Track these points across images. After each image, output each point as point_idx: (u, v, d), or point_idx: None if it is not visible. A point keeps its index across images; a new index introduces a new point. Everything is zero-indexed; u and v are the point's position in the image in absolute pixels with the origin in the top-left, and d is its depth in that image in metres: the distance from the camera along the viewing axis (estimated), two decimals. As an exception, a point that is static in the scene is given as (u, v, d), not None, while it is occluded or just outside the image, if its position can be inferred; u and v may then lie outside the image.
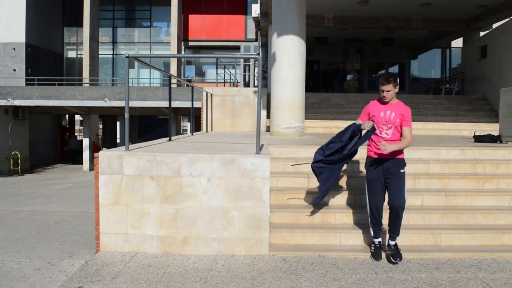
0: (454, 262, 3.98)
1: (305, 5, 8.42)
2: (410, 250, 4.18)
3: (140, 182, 4.16)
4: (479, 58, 13.86)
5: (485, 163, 5.54)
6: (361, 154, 4.47)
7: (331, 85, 17.06)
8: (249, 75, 20.95)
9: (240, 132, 10.44)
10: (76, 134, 32.33)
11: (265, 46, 17.82)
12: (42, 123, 24.94)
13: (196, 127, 11.27)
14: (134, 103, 18.28)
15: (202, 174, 4.14)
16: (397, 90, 3.86)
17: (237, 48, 24.39)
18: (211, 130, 10.66)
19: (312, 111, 11.89)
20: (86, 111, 21.65)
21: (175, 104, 17.63)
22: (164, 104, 18.41)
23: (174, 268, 3.79)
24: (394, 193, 3.88)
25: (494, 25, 15.27)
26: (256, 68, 19.56)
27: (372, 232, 4.07)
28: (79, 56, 25.99)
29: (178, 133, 25.12)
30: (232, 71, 20.11)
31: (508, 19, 13.08)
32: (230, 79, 14.30)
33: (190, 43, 26.03)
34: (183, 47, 25.64)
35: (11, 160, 20.07)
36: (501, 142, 7.32)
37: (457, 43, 19.12)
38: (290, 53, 8.07)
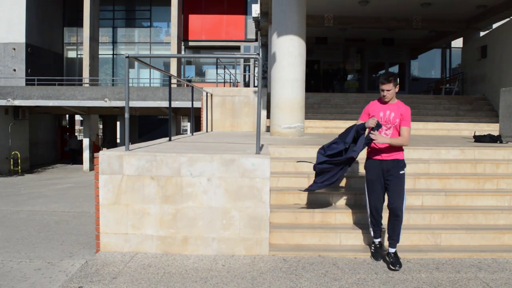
0: (454, 262, 3.98)
1: (305, 5, 8.42)
2: (410, 250, 4.18)
3: (140, 182, 4.16)
4: (479, 58, 13.86)
5: (485, 163, 5.54)
6: (362, 154, 4.46)
7: (331, 85, 17.06)
8: (249, 75, 20.95)
9: (240, 132, 10.44)
10: (76, 134, 32.33)
11: (265, 46, 17.81)
12: (42, 123, 24.94)
13: (196, 127, 11.26)
14: (134, 103, 18.28)
15: (202, 174, 4.14)
16: (397, 89, 3.82)
17: (237, 48, 24.39)
18: (211, 130, 10.66)
19: (312, 111, 11.89)
20: (86, 111, 21.65)
21: (175, 104, 17.63)
22: (164, 104, 18.42)
23: (174, 268, 3.79)
24: (393, 195, 3.84)
25: (494, 25, 15.27)
26: (256, 68, 19.57)
27: (372, 233, 4.06)
28: (79, 56, 26.00)
29: (178, 133, 25.12)
30: (232, 71, 20.11)
31: (508, 19, 13.07)
32: (230, 79, 14.30)
33: (190, 43, 26.03)
34: (183, 47, 25.64)
35: (11, 160, 20.07)
36: (501, 142, 7.32)
37: (457, 43, 19.12)
38: (290, 53, 8.07)
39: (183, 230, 4.16)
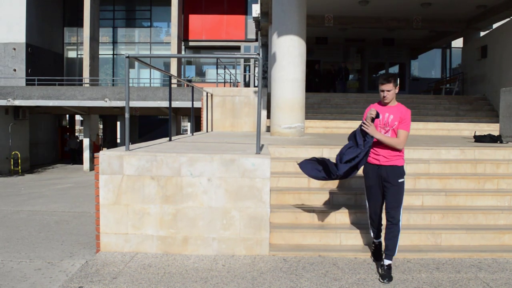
0: (455, 262, 3.98)
1: (306, 5, 8.42)
2: (410, 250, 4.19)
3: (141, 182, 4.16)
4: (479, 58, 13.86)
5: (486, 163, 5.54)
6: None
7: (333, 85, 17.04)
8: (249, 75, 20.95)
9: (240, 132, 10.44)
10: (76, 134, 32.34)
11: (265, 46, 17.81)
12: (43, 123, 24.94)
13: (196, 127, 11.26)
14: (134, 103, 18.28)
15: (202, 174, 4.14)
16: (397, 90, 3.68)
17: (237, 48, 24.38)
18: (212, 130, 10.66)
19: (312, 111, 11.89)
20: (86, 111, 21.65)
21: (176, 104, 17.63)
22: (165, 104, 18.42)
23: (175, 268, 3.79)
24: (391, 204, 3.68)
25: (495, 25, 15.26)
26: (257, 68, 19.56)
27: (372, 233, 4.04)
28: (79, 56, 26.00)
29: (178, 133, 25.13)
30: (232, 71, 20.11)
31: (508, 19, 13.07)
32: (230, 79, 14.30)
33: (190, 43, 26.03)
34: (183, 47, 25.64)
35: (12, 160, 20.07)
36: (501, 142, 7.32)
37: (458, 43, 19.12)
38: (290, 53, 8.07)
39: (183, 230, 4.16)
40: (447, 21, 15.59)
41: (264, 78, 17.27)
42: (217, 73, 12.94)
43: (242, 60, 21.32)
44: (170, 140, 6.23)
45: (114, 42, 26.58)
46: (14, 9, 21.88)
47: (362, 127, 3.63)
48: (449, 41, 19.43)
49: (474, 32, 15.85)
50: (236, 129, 10.86)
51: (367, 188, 3.90)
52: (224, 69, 13.15)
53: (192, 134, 8.34)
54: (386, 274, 3.57)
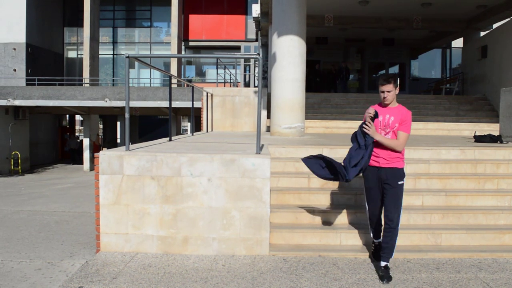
0: (455, 262, 3.98)
1: (306, 5, 8.42)
2: (410, 250, 4.19)
3: (141, 182, 4.16)
4: (479, 58, 13.86)
5: (486, 163, 5.54)
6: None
7: (334, 85, 17.02)
8: (249, 75, 20.96)
9: (240, 132, 10.45)
10: (76, 134, 32.34)
11: (266, 46, 17.82)
12: (43, 123, 24.93)
13: (197, 127, 11.27)
14: (134, 103, 18.28)
15: (202, 174, 4.15)
16: (397, 91, 3.64)
17: (238, 48, 24.39)
18: (212, 130, 10.66)
19: (312, 111, 11.89)
20: (86, 111, 21.65)
21: (176, 104, 17.63)
22: (165, 104, 18.42)
23: (175, 268, 3.79)
24: (389, 207, 3.64)
25: (495, 25, 15.27)
26: (257, 68, 19.57)
27: (371, 234, 4.03)
28: (79, 56, 26.00)
29: (178, 133, 25.12)
30: (233, 71, 20.13)
31: (508, 19, 13.07)
32: (230, 79, 14.31)
33: (191, 43, 26.03)
34: (183, 47, 25.63)
35: (12, 160, 20.07)
36: (501, 142, 7.32)
37: (458, 43, 19.12)
38: (290, 53, 8.07)
39: (184, 230, 4.17)
40: (447, 21, 15.59)
41: (264, 78, 17.27)
42: (217, 73, 12.94)
43: (242, 60, 21.33)
44: (170, 140, 6.23)
45: (114, 42, 26.58)
46: (14, 9, 21.88)
47: (363, 128, 3.59)
48: (449, 41, 19.43)
49: (474, 32, 15.85)
50: (236, 129, 10.86)
51: (366, 190, 3.88)
52: (224, 69, 13.15)
53: (192, 134, 8.34)
54: (384, 275, 3.58)
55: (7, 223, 7.32)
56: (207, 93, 10.32)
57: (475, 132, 8.75)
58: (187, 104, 17.44)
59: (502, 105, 8.08)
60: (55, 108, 20.82)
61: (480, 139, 7.43)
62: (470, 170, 5.49)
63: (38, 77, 21.27)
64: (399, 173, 3.66)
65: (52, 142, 26.46)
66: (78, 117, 32.79)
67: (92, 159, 19.94)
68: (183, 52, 25.36)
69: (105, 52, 25.94)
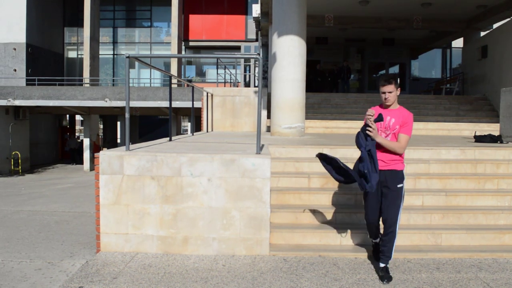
0: (455, 262, 3.98)
1: (306, 5, 8.42)
2: (410, 250, 4.19)
3: (141, 182, 4.16)
4: (479, 58, 13.86)
5: (486, 163, 5.54)
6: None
7: (336, 85, 17.00)
8: (249, 75, 20.96)
9: (240, 132, 10.45)
10: (77, 134, 32.35)
11: (266, 46, 17.81)
12: (43, 123, 24.94)
13: (197, 127, 11.27)
14: (134, 103, 18.28)
15: (202, 174, 4.15)
16: (398, 92, 3.57)
17: (238, 48, 24.39)
18: (212, 130, 10.66)
19: (312, 111, 11.89)
20: (86, 111, 21.66)
21: (176, 104, 17.63)
22: (165, 104, 18.42)
23: (175, 268, 3.79)
24: (388, 209, 3.58)
25: (495, 25, 15.27)
26: (257, 68, 19.58)
27: (369, 235, 3.96)
28: (79, 56, 26.00)
29: (178, 133, 25.12)
30: (233, 71, 20.14)
31: (508, 19, 13.07)
32: (230, 79, 14.31)
33: (191, 43, 26.03)
34: (183, 47, 25.63)
35: (12, 160, 20.08)
36: (501, 142, 7.32)
37: (458, 43, 19.12)
38: (290, 53, 8.07)
39: (184, 230, 4.17)
40: (447, 21, 15.59)
41: (264, 78, 17.27)
42: (217, 73, 12.95)
43: (242, 60, 21.33)
44: (170, 140, 6.23)
45: (114, 42, 26.58)
46: (14, 9, 21.88)
47: (367, 130, 3.48)
48: (449, 41, 19.43)
49: (474, 32, 15.85)
50: (236, 129, 10.86)
51: (364, 194, 3.77)
52: (224, 69, 13.16)
53: (193, 134, 8.34)
54: (384, 275, 3.57)
55: (7, 223, 7.32)
56: (207, 93, 10.32)
57: (475, 132, 8.74)
58: (187, 104, 17.44)
59: (502, 105, 8.08)
60: (55, 108, 20.83)
61: (480, 139, 7.43)
62: (470, 170, 5.48)
63: (38, 77, 21.27)
64: (399, 176, 3.58)
65: (52, 142, 26.47)
66: (78, 117, 32.80)
67: (92, 159, 19.95)
68: (183, 52, 25.36)
69: (105, 52, 25.94)
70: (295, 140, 7.11)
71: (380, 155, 3.58)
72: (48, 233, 6.43)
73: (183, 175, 4.15)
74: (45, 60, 24.13)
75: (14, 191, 12.97)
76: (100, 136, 27.04)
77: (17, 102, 18.75)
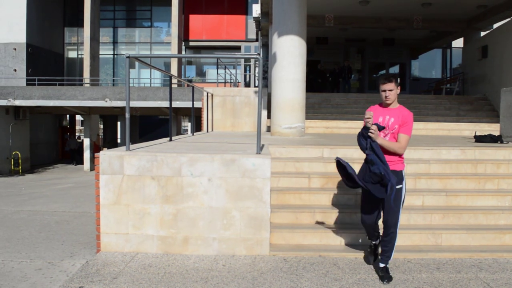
0: (455, 262, 3.98)
1: (306, 5, 8.42)
2: (410, 250, 4.19)
3: (141, 182, 4.16)
4: (479, 58, 13.85)
5: (486, 163, 5.54)
6: (361, 155, 4.45)
7: (337, 85, 16.99)
8: (249, 75, 20.96)
9: (240, 132, 10.45)
10: (77, 134, 32.35)
11: (266, 46, 17.81)
12: (43, 123, 24.95)
13: (197, 127, 11.27)
14: (134, 103, 18.29)
15: (202, 174, 4.15)
16: (399, 90, 3.51)
17: (238, 48, 24.39)
18: (212, 130, 10.66)
19: (312, 111, 11.89)
20: (86, 111, 21.66)
21: (176, 104, 17.63)
22: (165, 104, 18.42)
23: (175, 268, 3.79)
24: (387, 211, 3.51)
25: (495, 25, 15.27)
26: (257, 68, 19.58)
27: (368, 237, 3.89)
28: (79, 56, 26.01)
29: (178, 133, 25.12)
30: (233, 71, 20.14)
31: (508, 19, 13.07)
32: (230, 79, 14.32)
33: (191, 43, 26.04)
34: (183, 47, 25.64)
35: (12, 160, 20.08)
36: (502, 142, 7.31)
37: (458, 43, 19.12)
38: (290, 53, 8.07)
39: (184, 230, 4.17)
40: (447, 21, 15.59)
41: (264, 78, 17.27)
42: (217, 73, 12.95)
43: (242, 60, 21.32)
44: (170, 140, 6.23)
45: (115, 42, 26.58)
46: (15, 9, 21.89)
47: (368, 132, 3.38)
48: (450, 41, 19.43)
49: (474, 32, 15.85)
50: (236, 129, 10.86)
51: (362, 193, 3.70)
52: (225, 69, 13.16)
53: (193, 134, 8.34)
54: (384, 275, 3.57)
55: (7, 223, 7.32)
56: (207, 93, 10.32)
57: (475, 132, 8.74)
58: (188, 104, 17.45)
59: (503, 105, 8.08)
60: (55, 108, 20.83)
61: (480, 139, 7.43)
62: (470, 170, 5.48)
63: (39, 77, 21.28)
64: (398, 176, 3.50)
65: (52, 142, 26.48)
66: (78, 117, 32.81)
67: (93, 159, 19.97)
68: (183, 52, 25.36)
69: (105, 52, 25.95)
70: (295, 140, 7.11)
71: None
72: (48, 233, 6.43)
73: (183, 175, 4.15)
74: (45, 60, 24.14)
75: (15, 191, 12.98)
76: (100, 136, 27.05)
77: (17, 102, 18.76)
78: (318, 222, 4.57)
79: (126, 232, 4.19)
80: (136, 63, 23.78)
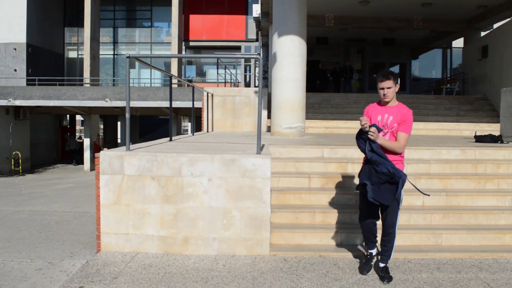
0: (455, 262, 3.98)
1: (306, 5, 8.42)
2: (411, 250, 4.18)
3: (141, 182, 4.16)
4: (480, 58, 13.85)
5: (486, 163, 5.54)
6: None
7: (338, 84, 16.97)
8: (249, 75, 20.96)
9: (241, 132, 10.45)
10: (77, 134, 32.35)
11: (266, 46, 17.82)
12: (43, 123, 24.96)
13: (197, 127, 11.27)
14: (135, 103, 18.29)
15: (203, 174, 4.15)
16: (397, 88, 3.42)
17: (238, 48, 24.39)
18: (212, 130, 10.66)
19: (312, 111, 11.89)
20: (87, 111, 21.67)
21: (176, 104, 17.64)
22: (165, 104, 18.42)
23: (175, 268, 3.79)
24: (387, 212, 3.48)
25: (495, 25, 15.27)
26: (257, 68, 19.59)
27: (364, 242, 3.84)
28: (80, 56, 26.01)
29: (179, 133, 25.12)
30: (233, 71, 20.14)
31: (508, 19, 13.07)
32: (231, 79, 14.32)
33: (191, 43, 26.04)
34: (183, 47, 25.64)
35: (12, 160, 20.09)
36: (502, 142, 7.31)
37: (458, 43, 19.12)
38: (290, 53, 8.07)
39: (184, 230, 4.17)
40: (447, 21, 15.60)
41: (264, 78, 17.27)
42: (217, 73, 12.95)
43: (242, 60, 21.31)
44: (170, 140, 6.23)
45: (115, 42, 26.59)
46: (15, 9, 21.89)
47: (369, 134, 3.31)
48: (450, 41, 19.43)
49: (474, 32, 15.85)
50: (236, 129, 10.86)
51: (360, 195, 3.64)
52: (225, 69, 13.16)
53: (193, 134, 8.34)
54: (384, 275, 3.56)
55: (7, 223, 7.32)
56: (207, 93, 10.32)
57: (475, 132, 8.74)
58: (188, 104, 17.45)
59: (503, 105, 8.08)
60: (55, 108, 20.84)
61: (480, 139, 7.42)
62: (470, 170, 5.48)
63: (39, 77, 21.29)
64: None
65: (52, 142, 26.48)
66: (78, 117, 32.81)
67: (93, 159, 19.96)
68: (183, 52, 25.36)
69: (105, 52, 25.95)
70: (295, 140, 7.11)
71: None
72: (48, 233, 6.43)
73: (183, 175, 4.15)
74: (46, 60, 24.14)
75: (15, 191, 12.98)
76: (100, 136, 27.06)
77: (18, 102, 18.76)
78: (318, 222, 4.57)
79: (126, 232, 4.19)
80: (136, 63, 23.79)
